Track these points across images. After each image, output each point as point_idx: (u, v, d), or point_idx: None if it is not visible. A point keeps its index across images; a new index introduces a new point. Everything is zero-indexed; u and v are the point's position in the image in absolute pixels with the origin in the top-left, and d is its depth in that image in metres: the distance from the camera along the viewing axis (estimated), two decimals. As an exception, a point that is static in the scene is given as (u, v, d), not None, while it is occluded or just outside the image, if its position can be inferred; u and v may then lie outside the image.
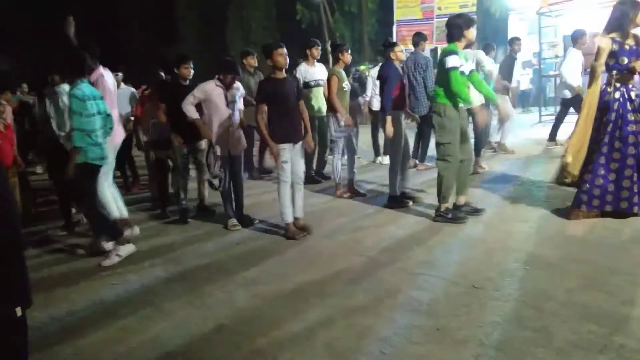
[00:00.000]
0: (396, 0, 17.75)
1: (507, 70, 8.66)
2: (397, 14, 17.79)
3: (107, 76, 5.02)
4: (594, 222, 4.69)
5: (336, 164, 6.40)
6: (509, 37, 10.36)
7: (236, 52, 25.24)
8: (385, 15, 20.56)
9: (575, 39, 8.04)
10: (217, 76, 5.33)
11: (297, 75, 6.80)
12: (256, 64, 7.89)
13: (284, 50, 4.92)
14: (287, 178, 4.90)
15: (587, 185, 4.72)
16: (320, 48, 7.14)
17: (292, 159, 4.92)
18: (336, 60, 6.50)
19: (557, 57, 12.78)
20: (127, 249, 4.61)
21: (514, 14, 15.95)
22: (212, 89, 5.27)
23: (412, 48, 7.87)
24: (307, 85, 6.95)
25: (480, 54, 7.75)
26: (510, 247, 4.29)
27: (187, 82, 5.75)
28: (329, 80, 6.29)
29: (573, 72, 7.96)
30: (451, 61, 4.84)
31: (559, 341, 2.78)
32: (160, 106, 5.86)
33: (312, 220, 5.26)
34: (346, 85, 6.40)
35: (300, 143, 5.00)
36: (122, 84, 7.05)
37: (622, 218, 4.67)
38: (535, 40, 13.65)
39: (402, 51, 6.09)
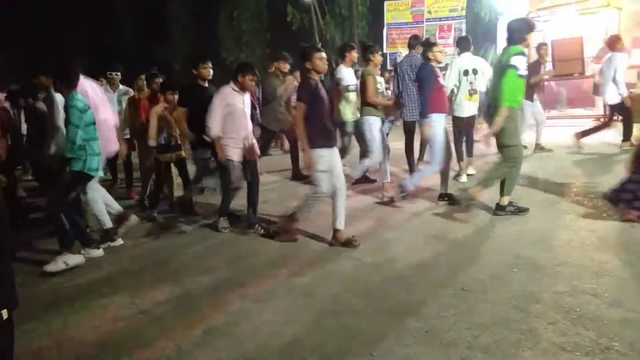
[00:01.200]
0: (386, 3, 17.83)
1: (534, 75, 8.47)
2: (388, 17, 17.87)
3: (86, 85, 4.90)
4: (581, 226, 4.73)
5: (385, 166, 6.37)
6: (498, 41, 10.41)
7: (227, 53, 25.26)
8: (376, 18, 20.64)
9: (614, 43, 8.07)
10: (232, 80, 5.17)
11: (338, 76, 6.65)
12: (287, 70, 7.75)
13: (324, 54, 4.72)
14: (326, 190, 4.63)
15: None
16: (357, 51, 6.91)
17: (333, 164, 4.63)
18: (367, 62, 6.34)
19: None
20: (76, 260, 4.47)
21: (503, 18, 16.07)
22: (229, 94, 5.12)
23: (402, 51, 7.89)
24: (346, 89, 6.68)
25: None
26: (498, 249, 4.31)
27: (206, 83, 5.64)
28: (364, 81, 6.14)
29: (621, 78, 7.89)
30: (516, 60, 4.85)
31: (546, 343, 2.81)
32: (181, 110, 5.68)
33: (305, 221, 5.26)
34: (380, 86, 6.30)
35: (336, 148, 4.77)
36: (120, 86, 6.86)
37: (614, 222, 4.72)
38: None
39: (440, 51, 5.86)
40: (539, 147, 8.68)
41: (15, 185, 5.98)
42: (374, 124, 6.30)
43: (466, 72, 6.79)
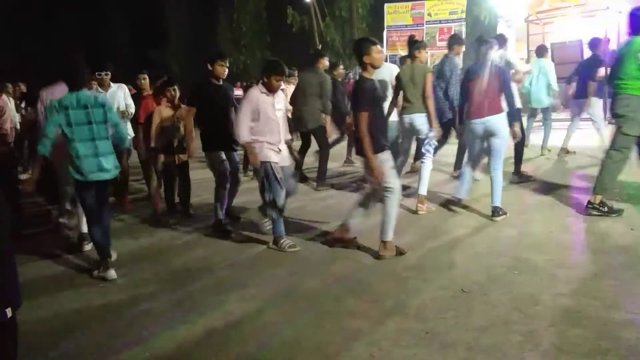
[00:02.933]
0: (387, 5, 17.82)
1: (594, 71, 8.08)
2: (388, 20, 17.87)
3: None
4: (581, 228, 4.74)
5: (426, 172, 5.64)
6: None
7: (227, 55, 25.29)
8: (376, 20, 20.66)
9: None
10: (260, 80, 4.77)
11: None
12: (328, 66, 7.45)
13: (380, 47, 4.41)
14: (398, 187, 4.38)
15: None
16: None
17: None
18: (413, 58, 5.83)
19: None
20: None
21: (502, 21, 16.11)
22: (257, 95, 4.65)
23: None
24: None
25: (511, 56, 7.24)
26: (498, 251, 4.33)
27: (221, 81, 5.31)
28: (426, 78, 5.51)
29: None
30: None
31: (546, 345, 2.82)
32: (190, 110, 5.40)
33: (303, 223, 5.27)
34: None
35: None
36: (112, 84, 6.16)
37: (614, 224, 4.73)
38: (524, 47, 13.80)
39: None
40: (564, 151, 8.27)
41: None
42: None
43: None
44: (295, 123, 7.58)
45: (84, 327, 3.35)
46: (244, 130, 4.60)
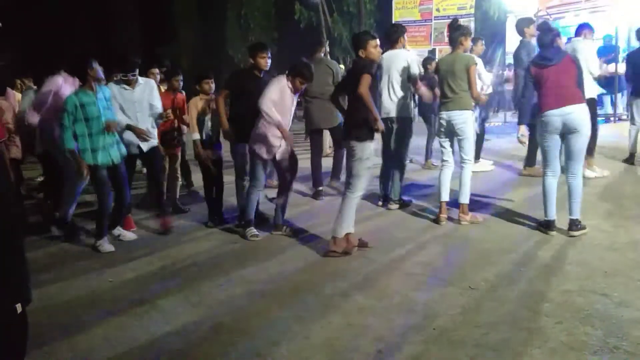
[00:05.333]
0: (395, 1, 17.75)
1: None
2: (396, 15, 17.78)
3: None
4: (589, 225, 4.71)
5: (467, 177, 5.14)
6: (507, 39, 10.23)
7: (234, 51, 25.30)
8: (384, 16, 20.57)
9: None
10: (287, 75, 4.78)
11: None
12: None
13: (378, 41, 4.43)
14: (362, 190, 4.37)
15: None
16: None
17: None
18: (457, 45, 5.31)
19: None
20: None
21: (512, 17, 15.99)
22: (284, 87, 4.74)
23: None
24: None
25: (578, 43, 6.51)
26: (506, 248, 4.31)
27: (262, 74, 5.17)
28: (469, 69, 5.05)
29: None
30: None
31: (555, 342, 2.81)
32: (221, 92, 5.25)
33: (310, 219, 5.27)
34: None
35: None
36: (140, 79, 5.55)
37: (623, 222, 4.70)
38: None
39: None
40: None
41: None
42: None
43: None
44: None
45: (91, 321, 3.37)
46: (274, 113, 4.60)
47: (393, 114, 5.63)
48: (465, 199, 5.05)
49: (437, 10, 17.18)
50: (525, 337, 2.88)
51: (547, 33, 4.71)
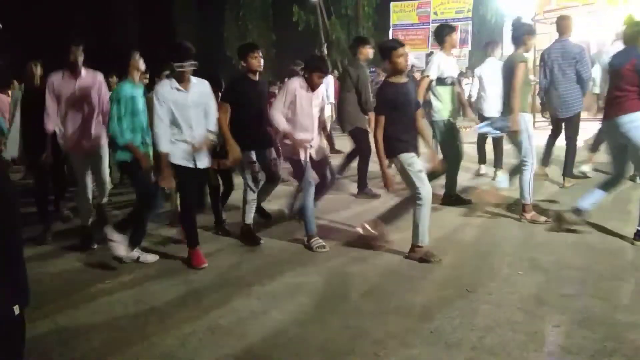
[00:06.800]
0: (393, 4, 17.84)
1: None
2: (394, 18, 17.87)
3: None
4: (587, 229, 4.72)
5: (527, 178, 5.03)
6: (504, 43, 10.24)
7: (232, 53, 25.31)
8: (382, 19, 20.65)
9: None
10: (302, 74, 4.68)
11: (432, 66, 5.63)
12: (371, 57, 6.60)
13: (405, 50, 4.23)
14: (428, 194, 4.16)
15: None
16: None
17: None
18: (518, 45, 5.10)
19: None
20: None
21: (509, 20, 16.06)
22: (297, 88, 4.58)
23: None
24: (442, 82, 5.64)
25: None
26: (504, 251, 4.31)
27: (257, 76, 4.83)
28: (513, 68, 4.87)
29: None
30: None
31: (552, 346, 2.81)
32: (222, 107, 4.63)
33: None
34: (533, 77, 5.32)
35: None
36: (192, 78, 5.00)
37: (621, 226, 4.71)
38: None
39: None
40: None
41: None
42: (528, 122, 5.05)
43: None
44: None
45: (89, 323, 3.36)
46: (281, 118, 4.54)
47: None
48: (526, 200, 5.04)
49: (435, 13, 17.26)
50: (523, 341, 2.88)
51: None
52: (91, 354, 3.01)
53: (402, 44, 4.26)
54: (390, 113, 4.13)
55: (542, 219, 5.01)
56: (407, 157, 4.13)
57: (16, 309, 1.82)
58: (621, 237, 4.49)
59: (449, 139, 5.73)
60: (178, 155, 4.17)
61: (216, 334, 3.15)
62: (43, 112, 4.79)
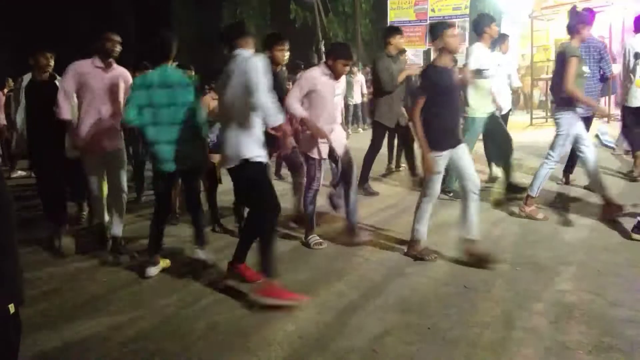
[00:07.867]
0: (390, 1, 17.78)
1: None
2: (391, 15, 17.81)
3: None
4: (584, 225, 4.73)
5: (544, 173, 5.00)
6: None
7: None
8: (379, 16, 20.61)
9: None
10: (324, 62, 4.51)
11: (471, 58, 5.51)
12: (401, 47, 6.41)
13: (457, 30, 4.08)
14: (435, 193, 4.16)
15: None
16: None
17: (460, 162, 4.06)
18: (572, 35, 4.85)
19: (548, 60, 12.85)
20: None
21: (506, 17, 16.04)
22: (318, 77, 4.39)
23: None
24: (480, 74, 5.48)
25: None
26: (501, 248, 4.31)
27: (280, 68, 4.71)
28: (564, 61, 4.71)
29: None
30: None
31: (549, 342, 2.81)
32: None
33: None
34: (588, 70, 5.17)
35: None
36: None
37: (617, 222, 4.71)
38: (528, 44, 13.75)
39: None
40: None
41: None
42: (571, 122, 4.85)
43: (637, 55, 5.85)
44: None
45: (87, 320, 3.35)
46: (298, 105, 4.31)
47: None
48: (532, 192, 5.02)
49: (432, 10, 17.21)
50: (520, 337, 2.88)
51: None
52: (86, 351, 3.00)
53: (454, 25, 4.10)
54: (434, 98, 3.93)
55: (540, 215, 5.00)
56: (433, 156, 4.00)
57: (11, 307, 1.81)
58: (618, 233, 4.50)
59: (494, 127, 5.75)
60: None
61: (214, 330, 3.15)
62: (48, 106, 4.43)
